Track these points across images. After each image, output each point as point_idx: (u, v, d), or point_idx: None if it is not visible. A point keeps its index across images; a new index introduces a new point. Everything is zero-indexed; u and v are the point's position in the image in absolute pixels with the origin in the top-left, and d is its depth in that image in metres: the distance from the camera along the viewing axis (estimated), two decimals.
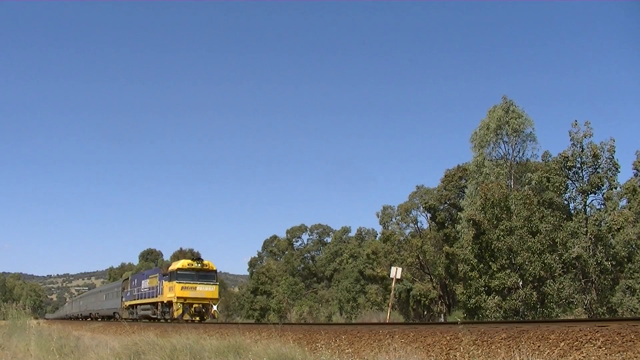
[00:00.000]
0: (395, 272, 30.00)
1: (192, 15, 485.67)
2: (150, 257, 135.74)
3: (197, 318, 31.72)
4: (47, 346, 15.21)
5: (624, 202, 37.48)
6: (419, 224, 60.05)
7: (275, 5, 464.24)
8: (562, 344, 8.85)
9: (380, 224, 61.31)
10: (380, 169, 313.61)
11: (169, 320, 32.25)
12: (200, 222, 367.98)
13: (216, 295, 33.45)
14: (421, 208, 58.10)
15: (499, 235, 33.57)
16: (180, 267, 32.88)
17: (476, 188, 40.81)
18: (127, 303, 43.08)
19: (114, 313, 48.47)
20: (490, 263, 34.29)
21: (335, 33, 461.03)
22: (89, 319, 60.30)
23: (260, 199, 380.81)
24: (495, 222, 34.35)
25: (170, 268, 33.85)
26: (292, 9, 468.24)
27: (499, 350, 9.50)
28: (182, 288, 31.93)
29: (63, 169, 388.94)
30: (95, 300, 60.66)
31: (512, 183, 40.92)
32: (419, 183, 68.05)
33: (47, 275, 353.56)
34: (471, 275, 34.76)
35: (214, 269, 33.95)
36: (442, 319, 49.55)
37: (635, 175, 39.89)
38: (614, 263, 32.65)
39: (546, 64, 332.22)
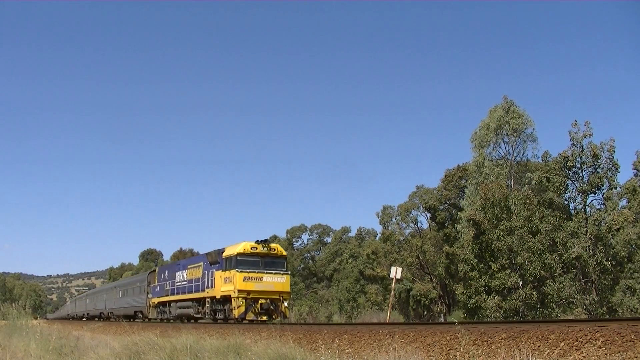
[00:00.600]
0: (395, 272, 30.00)
1: (192, 15, 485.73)
2: (150, 257, 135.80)
3: (264, 317, 25.13)
4: (47, 346, 15.22)
5: (624, 202, 37.49)
6: (419, 224, 60.05)
7: (275, 5, 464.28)
8: (562, 344, 8.85)
9: (380, 224, 61.32)
10: (380, 169, 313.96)
11: (226, 321, 25.73)
12: (200, 222, 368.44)
13: (287, 288, 26.39)
14: (421, 208, 58.04)
15: (499, 235, 33.56)
16: (242, 251, 25.77)
17: (476, 188, 40.79)
18: (156, 300, 36.31)
19: (136, 312, 42.25)
20: (490, 263, 34.29)
21: (335, 33, 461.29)
22: (98, 319, 54.27)
23: (260, 199, 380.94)
24: (495, 222, 34.34)
25: (226, 253, 26.76)
26: (291, 9, 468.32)
27: (499, 350, 9.49)
28: (244, 279, 25.01)
29: (63, 169, 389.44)
30: (109, 297, 53.17)
31: (512, 183, 40.92)
32: (419, 183, 68.13)
33: (47, 275, 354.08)
34: (471, 275, 34.75)
35: (284, 254, 27.38)
36: (442, 319, 49.53)
37: (635, 175, 39.89)
38: (614, 263, 32.62)
39: (546, 64, 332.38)
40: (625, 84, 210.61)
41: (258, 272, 25.44)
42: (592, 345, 8.53)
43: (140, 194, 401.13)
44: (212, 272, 27.53)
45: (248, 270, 25.25)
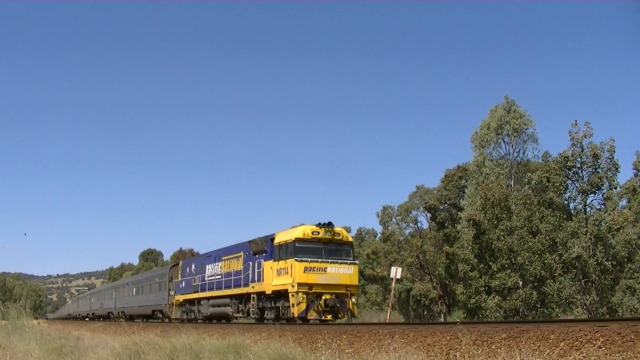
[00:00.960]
0: (395, 272, 29.98)
1: (192, 15, 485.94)
2: (150, 257, 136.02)
3: (329, 316, 21.02)
4: (47, 346, 15.22)
5: (624, 202, 37.50)
6: (419, 224, 60.10)
7: (275, 5, 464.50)
8: (562, 344, 8.85)
9: (380, 224, 61.38)
10: (380, 169, 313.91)
11: (278, 321, 21.47)
12: (200, 222, 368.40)
13: (356, 281, 22.17)
14: (421, 208, 58.08)
15: (499, 235, 33.58)
16: (301, 236, 21.50)
17: (476, 188, 40.81)
18: (181, 297, 32.20)
19: (154, 312, 38.16)
20: (491, 263, 34.31)
21: (335, 33, 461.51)
22: (104, 318, 50.93)
23: (260, 199, 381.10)
24: (496, 222, 34.36)
25: (279, 239, 22.37)
26: (291, 9, 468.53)
27: (499, 350, 9.50)
28: (305, 269, 20.86)
29: (63, 169, 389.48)
30: (119, 295, 48.87)
31: (512, 183, 40.93)
32: (419, 183, 68.17)
33: (47, 275, 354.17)
34: (471, 275, 34.78)
35: (350, 240, 23.02)
36: (442, 319, 49.53)
37: (635, 175, 39.90)
38: (614, 263, 32.65)
39: (546, 64, 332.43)
40: (625, 84, 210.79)
41: (321, 262, 21.22)
42: (592, 345, 8.53)
43: (140, 194, 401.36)
44: (259, 263, 23.25)
45: (310, 260, 21.00)
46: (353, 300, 21.48)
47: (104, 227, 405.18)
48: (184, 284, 32.11)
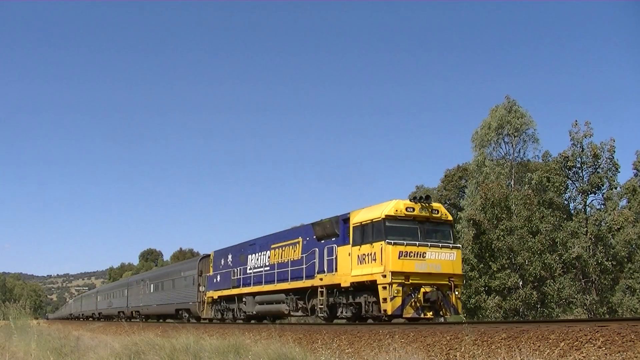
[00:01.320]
0: None
1: (192, 15, 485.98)
2: (150, 257, 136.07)
3: (429, 313, 17.13)
4: (47, 346, 15.22)
5: (624, 202, 37.47)
6: None
7: (275, 5, 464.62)
8: (562, 344, 8.86)
9: None
10: (381, 168, 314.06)
11: (355, 320, 18.41)
12: (200, 222, 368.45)
13: (459, 270, 18.15)
14: None
15: (499, 235, 33.58)
16: (393, 213, 17.40)
17: (476, 188, 40.80)
18: (215, 294, 28.14)
19: (179, 311, 34.08)
20: (491, 263, 34.30)
21: (335, 33, 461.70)
22: (114, 318, 47.24)
23: (260, 199, 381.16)
24: (496, 222, 34.35)
25: (362, 218, 18.19)
26: (292, 9, 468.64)
27: (499, 350, 9.50)
28: (400, 255, 16.83)
29: (63, 169, 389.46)
30: (133, 293, 44.67)
31: (512, 183, 40.91)
32: (419, 183, 68.05)
33: (47, 275, 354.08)
34: (471, 275, 34.75)
35: (450, 219, 18.89)
36: (442, 319, 49.43)
37: (635, 175, 39.88)
38: (614, 263, 32.64)
39: (547, 64, 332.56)
40: (625, 84, 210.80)
41: (419, 246, 17.27)
42: (592, 345, 8.53)
43: (140, 194, 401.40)
44: (330, 249, 19.25)
45: (405, 242, 17.06)
46: (457, 293, 17.66)
47: (104, 227, 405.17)
48: (219, 278, 27.97)
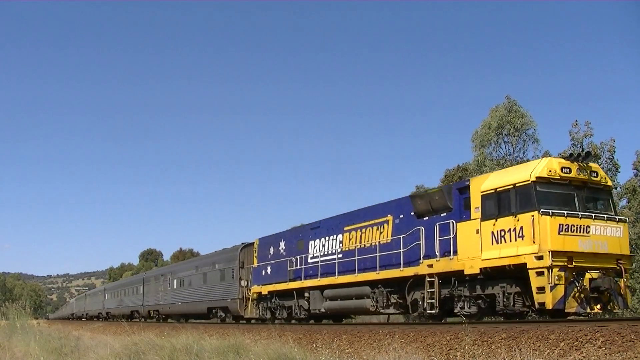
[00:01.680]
0: None
1: (192, 15, 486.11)
2: (150, 257, 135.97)
3: (597, 307, 13.19)
4: (46, 346, 15.22)
5: (624, 202, 37.47)
6: None
7: (275, 5, 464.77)
8: (562, 344, 8.86)
9: None
10: (381, 168, 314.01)
11: (494, 316, 15.24)
12: (200, 222, 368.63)
13: (627, 249, 14.11)
14: None
15: None
16: (545, 174, 13.38)
17: None
18: (264, 289, 23.92)
19: (212, 310, 29.67)
20: None
21: (334, 33, 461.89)
22: (128, 318, 39.96)
23: (261, 199, 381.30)
24: None
25: (495, 182, 14.26)
26: (292, 9, 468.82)
27: (499, 350, 9.50)
28: (560, 228, 12.85)
29: (63, 169, 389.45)
30: (149, 290, 39.89)
31: None
32: (418, 183, 68.04)
33: (47, 275, 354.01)
34: None
35: (610, 185, 15.09)
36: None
37: (635, 175, 39.85)
38: None
39: (547, 64, 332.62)
40: (625, 84, 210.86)
41: (581, 218, 13.22)
42: (592, 345, 8.53)
43: (140, 194, 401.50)
44: (445, 227, 15.21)
45: (565, 212, 13.03)
46: (625, 280, 13.63)
47: (104, 227, 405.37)
48: (268, 270, 23.79)
